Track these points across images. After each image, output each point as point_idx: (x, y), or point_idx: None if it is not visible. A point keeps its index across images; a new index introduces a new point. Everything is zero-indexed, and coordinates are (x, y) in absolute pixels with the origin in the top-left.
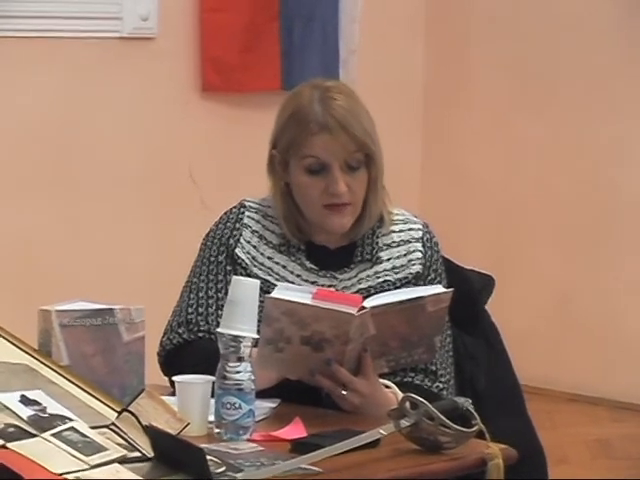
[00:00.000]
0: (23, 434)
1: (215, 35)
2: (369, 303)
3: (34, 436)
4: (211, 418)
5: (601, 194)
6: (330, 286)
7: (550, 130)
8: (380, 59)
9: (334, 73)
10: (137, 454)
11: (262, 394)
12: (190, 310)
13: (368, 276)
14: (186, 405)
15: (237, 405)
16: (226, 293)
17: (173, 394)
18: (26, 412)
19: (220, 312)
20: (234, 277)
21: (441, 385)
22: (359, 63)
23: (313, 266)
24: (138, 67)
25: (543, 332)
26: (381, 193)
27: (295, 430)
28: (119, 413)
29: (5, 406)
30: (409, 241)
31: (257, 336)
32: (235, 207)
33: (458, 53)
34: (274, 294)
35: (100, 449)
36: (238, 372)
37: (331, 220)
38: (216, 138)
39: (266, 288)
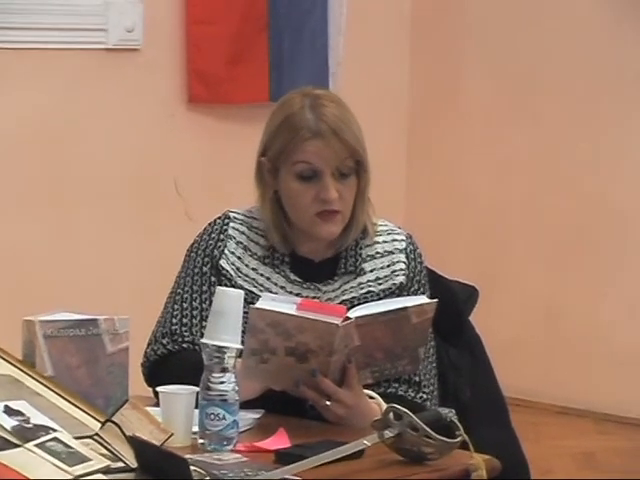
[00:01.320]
0: (6, 444)
1: (201, 47)
2: (353, 314)
3: (17, 446)
4: (195, 429)
5: (587, 206)
6: (314, 298)
7: (536, 141)
8: (365, 71)
9: (324, 85)
10: (121, 464)
11: (246, 405)
12: (174, 321)
13: (352, 287)
14: (170, 416)
15: (221, 416)
16: (210, 304)
17: (157, 405)
18: (10, 422)
19: (204, 323)
20: (218, 288)
21: (425, 396)
22: (344, 75)
23: (297, 278)
24: (123, 78)
25: (529, 344)
26: (367, 204)
27: (279, 441)
28: (103, 424)
29: None
30: (392, 252)
31: (241, 347)
32: (219, 218)
33: (443, 64)
34: (259, 304)
35: (84, 459)
36: (222, 383)
37: (320, 227)
38: (202, 150)
39: (250, 299)
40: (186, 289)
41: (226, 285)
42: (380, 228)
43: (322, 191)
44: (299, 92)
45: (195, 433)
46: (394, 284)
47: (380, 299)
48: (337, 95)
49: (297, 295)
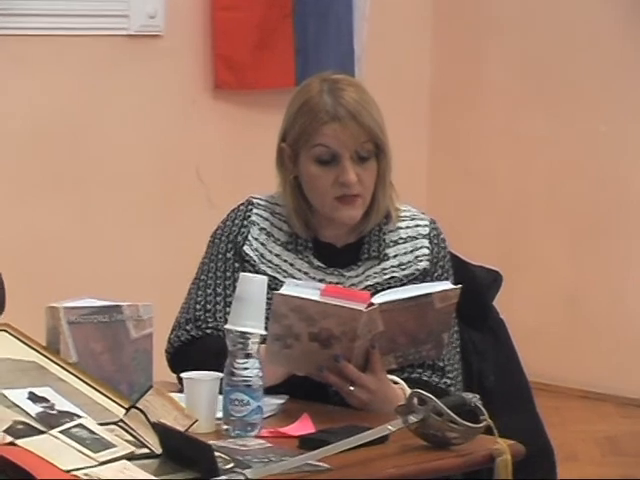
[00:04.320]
0: (31, 431)
1: (227, 33)
2: (377, 299)
3: (42, 433)
4: (219, 415)
5: (610, 192)
6: (337, 283)
7: (559, 127)
8: (387, 56)
9: (349, 70)
10: (145, 451)
11: (270, 390)
12: (198, 307)
13: (375, 273)
14: (194, 402)
15: (245, 402)
16: (234, 290)
17: (181, 391)
18: (34, 409)
19: (228, 309)
20: (242, 274)
21: (449, 381)
22: (367, 60)
23: (320, 264)
24: (145, 65)
25: (552, 328)
26: (389, 188)
27: (303, 426)
28: (127, 410)
29: (14, 403)
30: (416, 237)
31: (265, 332)
32: (243, 204)
33: (465, 50)
34: (283, 290)
35: (108, 446)
36: (246, 369)
37: (341, 212)
38: (226, 136)
39: (274, 285)
40: (210, 275)
41: (250, 271)
42: (403, 214)
43: (341, 175)
44: (318, 77)
45: (219, 419)
46: (417, 269)
47: (403, 284)
48: (357, 80)
49: (320, 281)
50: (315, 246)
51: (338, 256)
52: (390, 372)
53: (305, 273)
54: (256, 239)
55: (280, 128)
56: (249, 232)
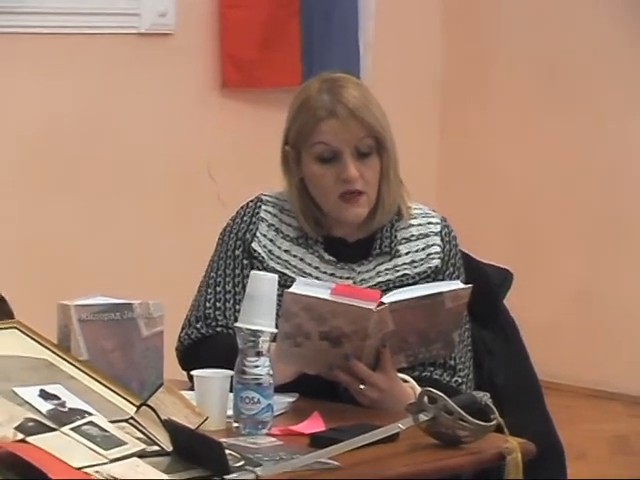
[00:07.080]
0: (42, 428)
1: (235, 31)
2: (388, 299)
3: (53, 430)
4: (230, 412)
5: (622, 189)
6: (348, 278)
7: (570, 125)
8: (396, 54)
9: (355, 68)
10: (156, 448)
11: (280, 389)
12: (208, 305)
13: (387, 269)
14: (205, 399)
15: (256, 400)
16: (243, 287)
17: (192, 389)
18: (45, 406)
19: (238, 306)
20: (252, 272)
21: (460, 380)
22: (376, 58)
23: (331, 258)
24: (156, 63)
25: (562, 328)
26: (396, 184)
27: (314, 424)
28: (138, 407)
29: (25, 400)
30: (427, 235)
31: (275, 330)
32: (252, 201)
33: (476, 47)
34: (293, 289)
35: (119, 443)
36: (257, 367)
37: (347, 211)
38: (235, 134)
39: (283, 282)
40: (219, 273)
41: (258, 268)
42: (415, 211)
43: (342, 171)
44: (318, 77)
45: (230, 417)
46: (429, 267)
47: (415, 282)
48: (357, 79)
49: (331, 275)
50: (326, 240)
51: (349, 251)
52: (401, 370)
53: (315, 267)
54: (264, 235)
55: (283, 131)
56: (257, 229)
